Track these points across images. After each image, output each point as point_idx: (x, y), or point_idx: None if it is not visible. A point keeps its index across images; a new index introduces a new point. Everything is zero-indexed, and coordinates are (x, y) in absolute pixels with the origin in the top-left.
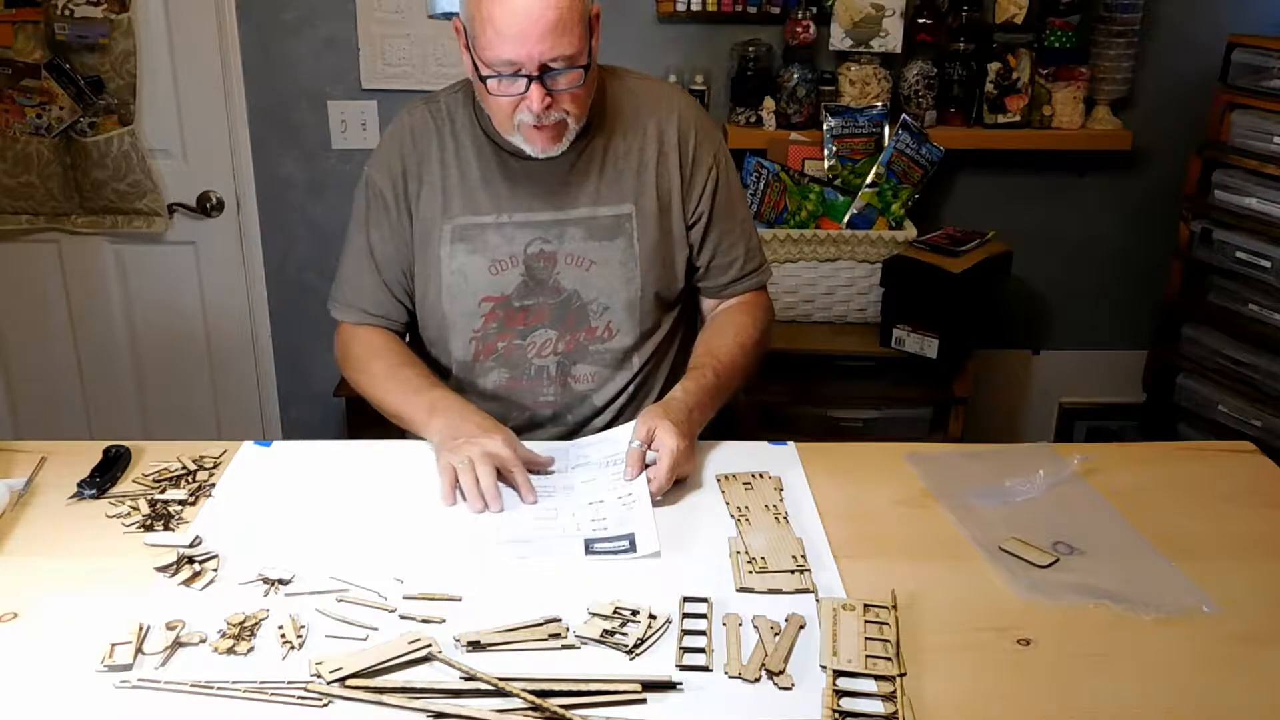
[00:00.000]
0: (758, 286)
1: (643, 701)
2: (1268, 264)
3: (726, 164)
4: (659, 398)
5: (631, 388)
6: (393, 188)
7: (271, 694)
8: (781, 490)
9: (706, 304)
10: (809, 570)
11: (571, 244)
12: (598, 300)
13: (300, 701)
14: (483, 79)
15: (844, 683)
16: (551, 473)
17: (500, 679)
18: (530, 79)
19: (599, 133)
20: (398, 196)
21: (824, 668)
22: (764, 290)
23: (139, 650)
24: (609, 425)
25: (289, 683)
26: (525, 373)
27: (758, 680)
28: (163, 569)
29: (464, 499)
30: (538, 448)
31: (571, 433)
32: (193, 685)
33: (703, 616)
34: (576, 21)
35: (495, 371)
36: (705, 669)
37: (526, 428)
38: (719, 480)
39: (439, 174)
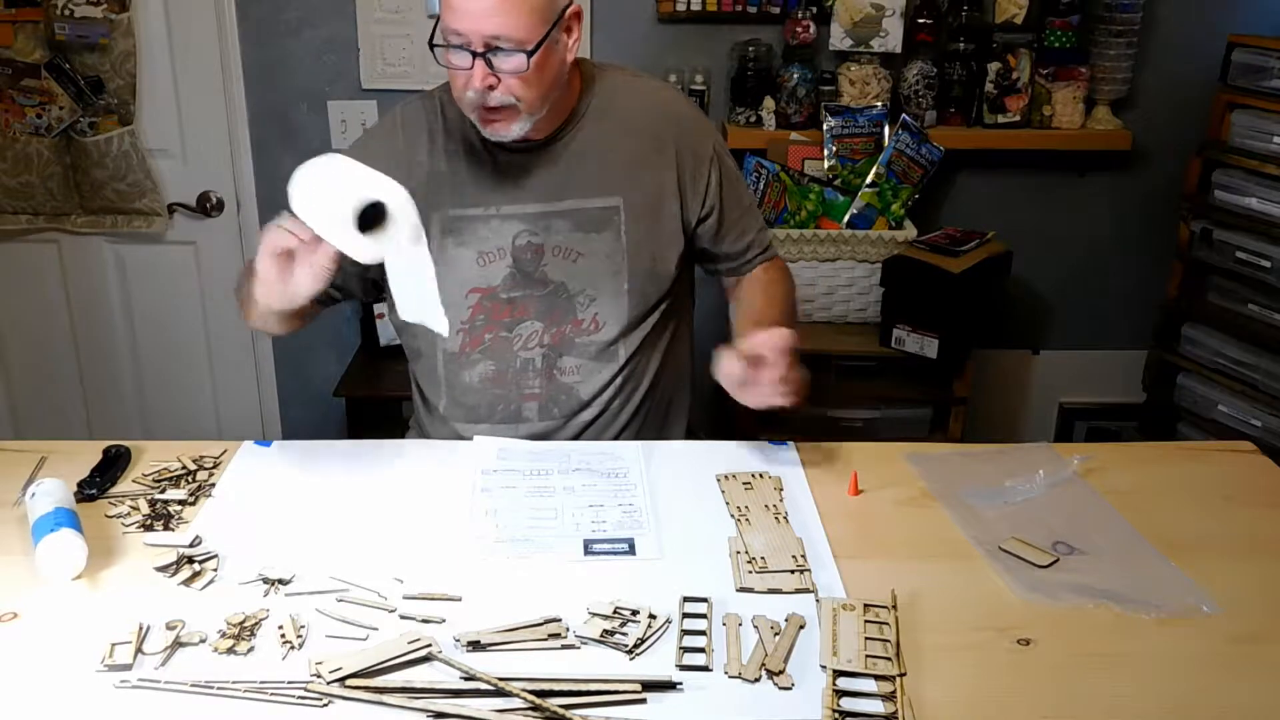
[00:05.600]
0: (771, 257)
1: (643, 701)
2: (1268, 264)
3: (725, 154)
4: (648, 390)
5: (619, 380)
6: None
7: (271, 694)
8: (781, 490)
9: (727, 281)
10: (809, 570)
11: (559, 236)
12: (585, 292)
13: (300, 701)
14: (434, 46)
15: (844, 683)
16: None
17: (500, 679)
18: (474, 55)
19: (588, 126)
20: None
21: (824, 668)
22: (776, 255)
23: (139, 650)
24: (597, 418)
25: (289, 683)
26: (511, 365)
27: (758, 680)
28: (162, 569)
29: None
30: (539, 448)
31: (559, 425)
32: (193, 685)
33: (703, 616)
34: (530, 8)
35: (481, 364)
36: (705, 669)
37: (513, 420)
38: (719, 480)
39: (427, 166)
